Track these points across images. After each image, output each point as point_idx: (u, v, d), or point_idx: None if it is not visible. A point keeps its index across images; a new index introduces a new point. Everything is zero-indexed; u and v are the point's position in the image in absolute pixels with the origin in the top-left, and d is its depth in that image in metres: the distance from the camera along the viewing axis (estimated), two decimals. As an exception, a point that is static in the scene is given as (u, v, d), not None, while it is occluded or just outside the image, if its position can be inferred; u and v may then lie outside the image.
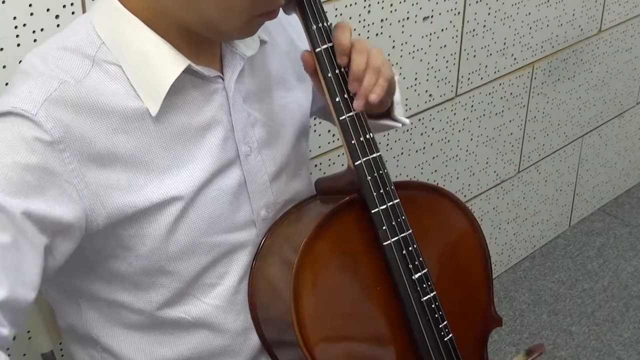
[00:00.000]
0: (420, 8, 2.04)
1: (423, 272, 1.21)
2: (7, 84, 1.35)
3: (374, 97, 1.16)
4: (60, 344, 1.59)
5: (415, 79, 2.12)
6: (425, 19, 2.07)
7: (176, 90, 1.11)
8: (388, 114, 1.31)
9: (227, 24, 1.08)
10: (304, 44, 1.24)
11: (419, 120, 2.19)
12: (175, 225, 1.13)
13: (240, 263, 1.22)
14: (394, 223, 1.19)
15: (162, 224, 1.12)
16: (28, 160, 1.01)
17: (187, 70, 1.11)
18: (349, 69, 1.16)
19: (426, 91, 2.17)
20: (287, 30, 1.31)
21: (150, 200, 1.10)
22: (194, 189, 1.13)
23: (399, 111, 1.30)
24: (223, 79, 1.17)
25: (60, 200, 1.04)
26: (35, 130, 1.02)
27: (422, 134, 2.22)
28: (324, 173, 1.98)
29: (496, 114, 2.43)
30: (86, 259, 1.13)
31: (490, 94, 2.37)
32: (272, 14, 1.11)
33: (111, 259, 1.14)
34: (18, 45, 1.36)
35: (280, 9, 1.20)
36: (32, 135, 1.02)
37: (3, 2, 1.32)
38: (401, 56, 2.05)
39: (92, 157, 1.06)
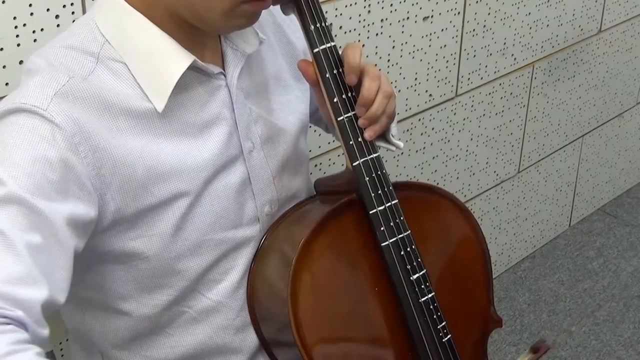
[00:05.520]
0: (420, 8, 2.04)
1: (421, 272, 1.21)
2: (7, 84, 1.36)
3: (370, 134, 1.18)
4: (61, 343, 1.59)
5: (415, 79, 2.12)
6: (425, 19, 2.07)
7: (181, 86, 1.11)
8: (383, 135, 1.30)
9: (208, 10, 1.07)
10: (302, 43, 1.24)
11: (419, 120, 2.19)
12: (183, 222, 1.14)
13: (244, 259, 1.22)
14: (392, 224, 1.19)
15: (170, 222, 1.13)
16: (47, 155, 1.00)
17: (191, 67, 1.11)
18: (360, 92, 1.17)
19: (426, 91, 2.17)
20: (282, 29, 1.30)
21: (158, 196, 1.11)
22: (199, 184, 1.14)
23: (393, 132, 1.29)
24: (225, 76, 1.17)
25: (81, 196, 1.04)
26: (48, 124, 1.01)
27: (422, 134, 2.22)
28: (324, 173, 1.98)
29: (496, 114, 2.43)
30: (90, 262, 1.12)
31: (490, 94, 2.37)
32: (261, 3, 1.09)
33: (118, 265, 1.14)
34: (18, 45, 1.36)
35: (279, 8, 1.20)
36: (47, 130, 1.01)
37: (3, 2, 1.32)
38: (401, 56, 2.05)
39: (103, 153, 1.06)
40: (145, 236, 1.12)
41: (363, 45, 1.94)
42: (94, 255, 1.12)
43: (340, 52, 1.19)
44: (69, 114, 1.03)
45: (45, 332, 0.97)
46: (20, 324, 0.93)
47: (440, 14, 2.10)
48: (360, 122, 1.18)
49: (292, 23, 1.30)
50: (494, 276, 2.63)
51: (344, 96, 1.18)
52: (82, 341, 1.26)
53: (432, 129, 2.24)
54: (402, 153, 2.17)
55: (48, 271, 0.98)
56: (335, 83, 1.17)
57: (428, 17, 2.07)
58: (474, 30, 2.22)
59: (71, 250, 1.02)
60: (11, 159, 0.99)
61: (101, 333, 1.21)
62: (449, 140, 2.31)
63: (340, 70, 1.18)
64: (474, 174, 2.46)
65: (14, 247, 0.94)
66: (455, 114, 2.29)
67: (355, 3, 1.88)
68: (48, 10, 1.38)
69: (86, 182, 1.04)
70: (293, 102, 1.29)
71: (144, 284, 1.16)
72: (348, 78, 1.16)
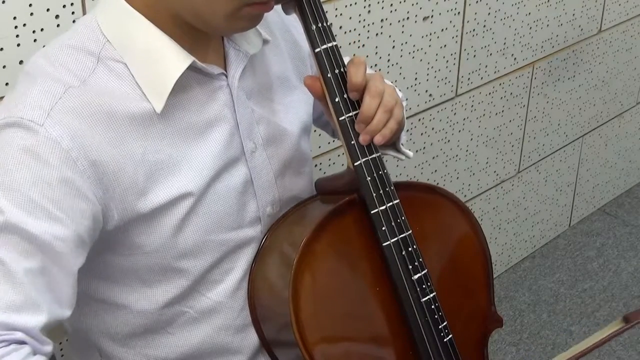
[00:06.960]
0: (420, 8, 2.04)
1: (423, 272, 1.21)
2: (7, 83, 1.36)
3: (379, 139, 1.17)
4: (60, 343, 1.59)
5: (415, 79, 2.12)
6: (425, 19, 2.07)
7: (181, 87, 1.11)
8: (393, 144, 1.30)
9: (212, 13, 1.07)
10: (306, 43, 1.24)
11: (419, 120, 2.19)
12: (184, 222, 1.14)
13: (245, 259, 1.22)
14: (393, 224, 1.19)
15: (172, 222, 1.13)
16: (46, 175, 1.01)
17: (191, 68, 1.11)
18: (360, 109, 1.16)
19: (426, 91, 2.17)
20: (290, 31, 1.30)
21: (162, 199, 1.11)
22: (202, 185, 1.14)
23: (403, 140, 1.29)
24: (226, 76, 1.17)
25: (86, 210, 1.05)
26: (44, 142, 1.01)
27: (422, 134, 2.22)
28: (324, 173, 1.98)
29: (496, 114, 2.43)
30: (90, 254, 1.12)
31: (490, 94, 2.37)
32: (264, 6, 1.09)
33: (116, 255, 1.14)
34: (18, 45, 1.36)
35: (280, 8, 1.20)
36: (44, 148, 1.01)
37: (3, 2, 1.32)
38: (401, 56, 2.05)
39: (102, 164, 1.06)
40: (146, 233, 1.12)
41: (363, 45, 1.94)
42: (95, 248, 1.12)
43: (341, 52, 1.19)
44: (66, 128, 1.03)
45: (48, 348, 1.02)
46: (21, 343, 0.98)
47: (440, 14, 2.10)
48: (361, 138, 1.17)
49: (298, 24, 1.30)
50: (494, 276, 2.63)
51: (345, 96, 1.17)
52: (80, 340, 1.26)
53: (432, 129, 2.24)
54: (402, 153, 2.17)
55: (49, 291, 1.02)
56: (336, 83, 1.17)
57: (428, 17, 2.07)
58: (474, 30, 2.22)
59: (74, 268, 1.06)
60: (10, 183, 1.00)
61: (99, 330, 1.21)
62: (449, 140, 2.31)
63: (342, 70, 1.17)
64: (474, 174, 2.46)
65: (12, 275, 0.98)
66: (455, 114, 2.29)
67: (355, 3, 1.88)
68: (48, 10, 1.38)
69: (89, 194, 1.05)
70: (297, 103, 1.29)
71: (144, 277, 1.16)
72: (350, 95, 1.17)
